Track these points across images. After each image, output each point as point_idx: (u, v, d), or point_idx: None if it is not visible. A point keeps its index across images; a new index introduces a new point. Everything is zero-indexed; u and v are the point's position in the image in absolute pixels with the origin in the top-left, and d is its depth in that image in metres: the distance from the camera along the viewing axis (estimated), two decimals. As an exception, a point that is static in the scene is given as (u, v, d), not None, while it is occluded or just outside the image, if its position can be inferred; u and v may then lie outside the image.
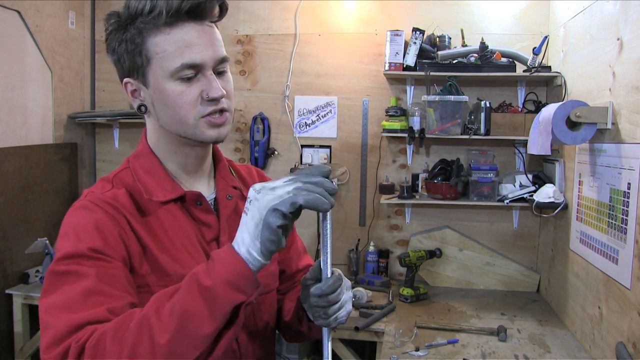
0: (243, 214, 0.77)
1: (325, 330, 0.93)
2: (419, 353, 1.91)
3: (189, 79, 0.88)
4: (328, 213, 0.86)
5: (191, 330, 0.72)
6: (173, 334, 0.71)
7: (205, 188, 1.03)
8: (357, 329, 2.16)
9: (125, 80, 0.93)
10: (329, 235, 0.88)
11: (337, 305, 0.91)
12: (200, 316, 0.72)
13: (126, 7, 0.88)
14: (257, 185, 0.76)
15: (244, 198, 1.05)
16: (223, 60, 0.92)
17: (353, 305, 1.05)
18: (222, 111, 0.92)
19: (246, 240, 0.75)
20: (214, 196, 1.03)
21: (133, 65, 0.90)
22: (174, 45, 0.87)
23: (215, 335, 0.74)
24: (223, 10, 0.93)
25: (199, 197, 0.98)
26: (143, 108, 0.94)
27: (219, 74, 0.92)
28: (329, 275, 0.90)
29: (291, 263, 1.18)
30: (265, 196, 0.74)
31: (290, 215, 0.74)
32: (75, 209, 0.91)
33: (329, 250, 0.89)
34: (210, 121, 0.91)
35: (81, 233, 0.85)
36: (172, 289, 0.76)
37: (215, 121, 0.91)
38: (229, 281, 0.73)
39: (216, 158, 1.07)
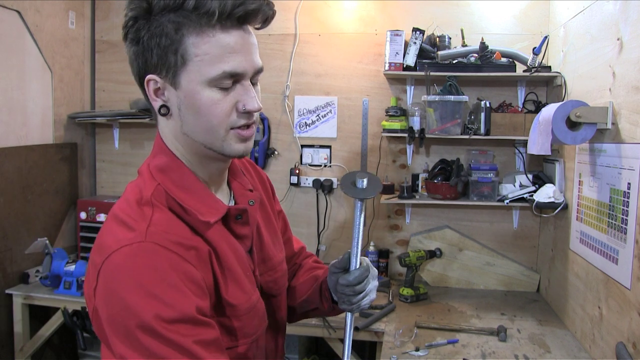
0: None
1: (348, 315, 1.00)
2: (419, 353, 1.91)
3: (226, 88, 0.81)
4: (364, 206, 0.94)
5: None
6: None
7: (225, 195, 0.97)
8: (357, 329, 2.16)
9: (150, 77, 0.82)
10: (361, 228, 0.94)
11: (362, 295, 0.97)
12: None
13: None
14: None
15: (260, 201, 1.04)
16: (260, 70, 0.86)
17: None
18: (251, 124, 0.86)
19: None
20: (233, 202, 0.98)
21: (163, 62, 0.80)
22: (218, 50, 0.78)
23: None
24: (270, 18, 0.84)
25: (239, 212, 0.92)
26: (164, 110, 0.84)
27: (253, 85, 0.85)
28: (357, 267, 0.96)
29: (288, 246, 1.19)
30: None
31: None
32: (135, 255, 0.76)
33: (359, 242, 0.95)
34: (239, 134, 0.84)
35: (172, 289, 0.75)
36: None
37: (244, 134, 0.85)
38: None
39: None
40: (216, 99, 0.81)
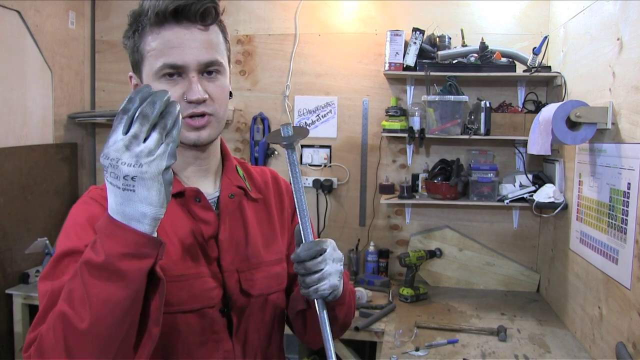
0: (118, 190, 0.71)
1: (317, 303, 0.92)
2: (419, 353, 1.91)
3: (171, 77, 0.91)
4: (295, 158, 0.91)
5: (107, 310, 0.71)
6: (92, 319, 0.71)
7: (211, 187, 1.04)
8: (357, 329, 2.16)
9: (130, 74, 1.00)
10: (301, 187, 0.90)
11: (316, 276, 0.90)
12: (110, 295, 0.71)
13: (139, 7, 0.94)
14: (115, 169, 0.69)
15: (250, 198, 1.07)
16: (210, 64, 0.92)
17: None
18: (202, 115, 0.93)
19: (146, 211, 0.71)
20: (218, 194, 1.03)
21: (133, 61, 0.97)
22: (160, 45, 0.90)
23: (137, 303, 0.73)
24: (216, 13, 0.93)
25: (197, 194, 0.98)
26: None
27: (209, 76, 0.94)
28: (308, 236, 0.91)
29: None
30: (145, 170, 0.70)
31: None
32: (77, 205, 0.96)
33: (305, 209, 0.90)
34: (189, 123, 0.93)
35: (78, 229, 0.89)
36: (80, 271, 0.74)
37: (194, 124, 0.93)
38: (125, 253, 0.71)
39: (224, 157, 1.08)
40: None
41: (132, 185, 0.70)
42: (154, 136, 0.70)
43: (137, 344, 0.75)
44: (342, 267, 0.95)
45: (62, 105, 2.89)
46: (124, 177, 0.69)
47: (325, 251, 0.91)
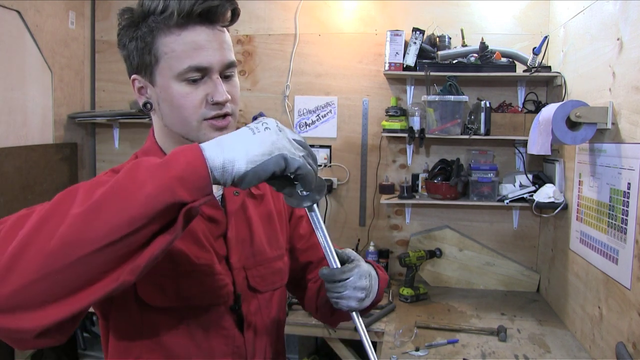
0: (246, 130, 0.74)
1: (352, 315, 0.96)
2: (419, 353, 1.91)
3: (195, 81, 0.88)
4: (316, 213, 0.88)
5: (113, 208, 0.63)
6: (90, 206, 0.63)
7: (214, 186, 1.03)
8: (356, 329, 2.16)
9: (133, 77, 0.93)
10: (325, 233, 0.90)
11: (335, 295, 0.95)
12: (129, 196, 0.64)
13: (140, 4, 0.88)
14: (280, 124, 0.77)
15: (251, 195, 1.07)
16: (231, 65, 0.93)
17: None
18: (225, 115, 0.92)
19: (238, 155, 0.70)
20: (221, 192, 1.03)
21: (142, 63, 0.90)
22: (183, 47, 0.87)
23: (140, 229, 0.64)
24: (235, 15, 0.94)
25: None
26: (149, 105, 0.94)
27: (226, 77, 0.93)
28: (334, 266, 0.94)
29: (315, 251, 1.19)
30: (284, 140, 0.74)
31: (281, 174, 0.74)
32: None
33: (328, 245, 0.91)
34: (213, 124, 0.91)
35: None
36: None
37: (218, 124, 0.91)
38: (179, 174, 0.65)
39: None
40: (185, 92, 0.88)
41: (259, 131, 0.73)
42: (301, 147, 0.77)
43: (98, 279, 0.64)
44: (363, 294, 0.96)
45: (62, 105, 2.89)
46: (262, 123, 0.75)
47: (347, 279, 0.94)
